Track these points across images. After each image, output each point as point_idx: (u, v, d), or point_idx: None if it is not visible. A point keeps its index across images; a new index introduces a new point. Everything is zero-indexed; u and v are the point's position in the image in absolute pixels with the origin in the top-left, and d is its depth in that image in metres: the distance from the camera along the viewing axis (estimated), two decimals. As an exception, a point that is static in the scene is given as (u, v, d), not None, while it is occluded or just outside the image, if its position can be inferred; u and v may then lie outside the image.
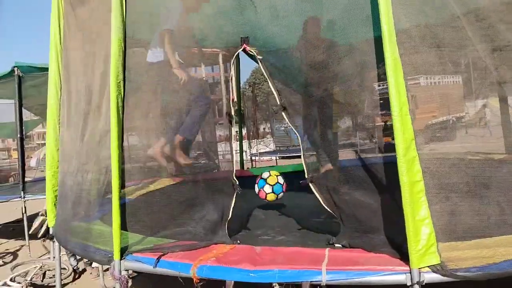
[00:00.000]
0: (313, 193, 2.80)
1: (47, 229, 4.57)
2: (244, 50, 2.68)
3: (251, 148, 12.44)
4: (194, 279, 2.29)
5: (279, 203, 3.96)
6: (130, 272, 2.72)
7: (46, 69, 6.84)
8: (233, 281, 2.19)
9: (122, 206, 2.71)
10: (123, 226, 2.69)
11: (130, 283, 2.56)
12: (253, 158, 12.18)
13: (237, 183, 2.76)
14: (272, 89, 2.52)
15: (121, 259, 2.56)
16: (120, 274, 2.53)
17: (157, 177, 4.77)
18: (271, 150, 13.61)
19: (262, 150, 13.87)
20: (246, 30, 2.54)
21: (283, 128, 15.61)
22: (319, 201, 2.67)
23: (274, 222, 3.45)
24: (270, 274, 2.14)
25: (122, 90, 2.73)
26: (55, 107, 3.79)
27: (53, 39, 3.80)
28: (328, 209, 2.64)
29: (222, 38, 2.89)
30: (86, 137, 3.18)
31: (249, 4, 2.45)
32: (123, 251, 2.60)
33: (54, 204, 3.72)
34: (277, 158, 12.97)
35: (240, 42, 2.55)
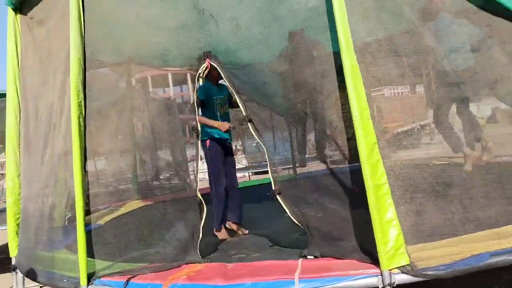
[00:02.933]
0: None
1: None
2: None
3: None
4: (166, 299, 2.22)
5: (253, 223, 3.90)
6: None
7: (4, 95, 6.62)
8: (205, 298, 2.13)
9: (88, 233, 2.62)
10: (90, 254, 2.59)
11: (98, 310, 2.44)
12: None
13: (202, 201, 2.72)
14: (238, 102, 2.51)
15: (88, 285, 2.45)
16: (88, 301, 2.42)
17: (127, 200, 4.66)
18: (244, 166, 13.55)
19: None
20: (208, 44, 2.54)
21: (254, 144, 15.64)
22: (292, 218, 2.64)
23: (248, 242, 3.37)
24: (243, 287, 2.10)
25: (83, 110, 2.66)
26: (14, 132, 3.65)
27: (10, 62, 3.69)
28: (295, 221, 2.62)
29: (184, 54, 2.87)
30: (46, 159, 3.07)
31: (209, 18, 2.46)
32: (91, 277, 2.50)
33: (16, 233, 3.54)
34: (250, 174, 12.91)
35: (203, 57, 2.55)
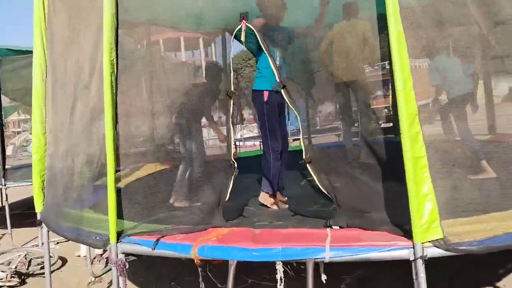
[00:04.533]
0: (308, 180, 2.73)
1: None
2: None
3: (235, 133, 12.34)
4: (195, 260, 2.26)
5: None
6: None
7: (26, 52, 6.60)
8: (235, 261, 2.16)
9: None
10: (117, 214, 2.62)
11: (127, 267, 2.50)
12: (237, 143, 12.11)
13: (235, 164, 2.72)
14: (272, 66, 2.46)
15: (117, 242, 2.50)
16: (117, 258, 2.48)
17: (144, 162, 4.65)
18: (256, 135, 13.58)
19: (246, 135, 13.84)
20: (244, 6, 2.46)
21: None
22: (314, 188, 2.62)
23: (270, 210, 3.38)
24: (273, 252, 2.13)
25: (115, 69, 2.63)
26: (41, 89, 3.65)
27: (37, 18, 3.64)
28: (324, 190, 2.62)
29: (219, 15, 2.78)
30: (76, 118, 3.08)
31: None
32: (119, 235, 2.55)
33: (42, 189, 3.61)
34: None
35: (239, 18, 2.47)
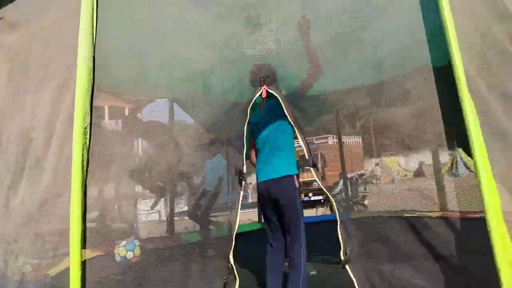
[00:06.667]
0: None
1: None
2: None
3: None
4: None
5: None
6: None
7: None
8: None
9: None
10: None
11: None
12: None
13: (234, 268, 2.01)
14: (300, 141, 1.98)
15: None
16: None
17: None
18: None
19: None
20: (264, 67, 2.00)
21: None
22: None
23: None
24: None
25: (88, 139, 1.96)
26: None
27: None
28: None
29: (232, 79, 2.26)
30: (16, 204, 2.25)
31: (268, 34, 1.92)
32: None
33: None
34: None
35: (258, 83, 1.99)
